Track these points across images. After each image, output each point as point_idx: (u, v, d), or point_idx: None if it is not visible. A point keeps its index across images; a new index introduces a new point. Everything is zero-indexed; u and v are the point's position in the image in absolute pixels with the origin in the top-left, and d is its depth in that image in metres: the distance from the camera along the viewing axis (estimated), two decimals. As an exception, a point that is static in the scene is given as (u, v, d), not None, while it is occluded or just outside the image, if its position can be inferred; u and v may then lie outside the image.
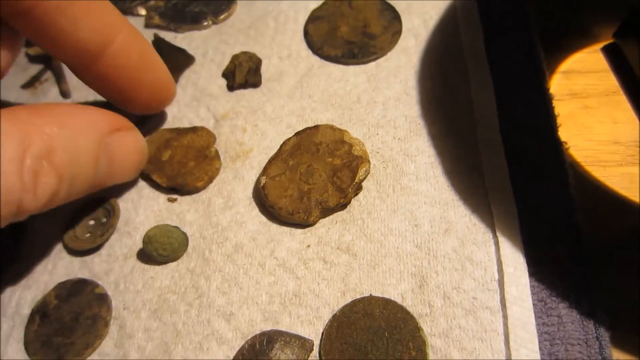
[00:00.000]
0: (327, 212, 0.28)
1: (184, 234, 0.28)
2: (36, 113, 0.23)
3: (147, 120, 0.33)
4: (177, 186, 0.30)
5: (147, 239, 0.27)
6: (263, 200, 0.28)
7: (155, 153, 0.31)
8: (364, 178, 0.28)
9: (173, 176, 0.30)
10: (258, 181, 0.29)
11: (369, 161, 0.28)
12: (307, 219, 0.27)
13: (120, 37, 0.27)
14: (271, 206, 0.28)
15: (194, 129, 0.32)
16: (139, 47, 0.29)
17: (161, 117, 0.34)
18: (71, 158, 0.24)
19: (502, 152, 0.28)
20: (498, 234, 0.26)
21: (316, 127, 0.30)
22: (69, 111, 0.25)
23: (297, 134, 0.30)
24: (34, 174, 0.22)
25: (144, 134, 0.30)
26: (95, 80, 0.29)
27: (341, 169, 0.28)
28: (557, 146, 0.28)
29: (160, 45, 0.37)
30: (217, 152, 0.31)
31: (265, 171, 0.29)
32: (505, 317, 0.24)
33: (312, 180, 0.28)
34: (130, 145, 0.28)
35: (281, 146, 0.30)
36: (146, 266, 0.28)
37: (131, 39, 0.28)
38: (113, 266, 0.28)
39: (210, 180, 0.30)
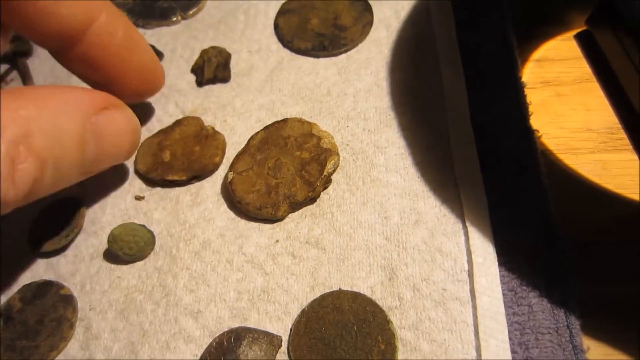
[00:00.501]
0: (295, 206, 0.27)
1: (150, 232, 0.27)
2: (10, 97, 0.21)
3: None
4: (197, 173, 0.29)
5: (112, 238, 0.26)
6: (231, 195, 0.28)
7: (155, 159, 0.30)
8: (333, 171, 0.28)
9: (187, 168, 0.29)
10: (226, 177, 0.29)
11: (337, 154, 0.28)
12: (275, 213, 0.27)
13: (103, 16, 0.26)
14: (239, 202, 0.27)
15: (177, 122, 0.32)
16: (123, 26, 0.27)
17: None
18: (52, 141, 0.22)
19: (472, 142, 0.28)
20: (467, 224, 0.25)
21: (284, 120, 0.30)
22: (48, 92, 0.23)
23: (265, 128, 0.30)
24: (11, 160, 0.20)
25: None
26: (78, 64, 0.27)
27: (309, 162, 0.28)
28: (528, 135, 0.28)
29: (128, 41, 0.36)
30: (213, 128, 0.31)
31: (232, 166, 0.29)
32: (474, 307, 0.23)
33: (280, 174, 0.28)
34: (120, 123, 0.26)
35: (249, 141, 0.30)
36: (113, 266, 0.27)
37: (114, 17, 0.26)
38: (79, 267, 0.28)
39: (224, 152, 0.30)
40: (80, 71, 0.28)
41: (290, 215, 0.27)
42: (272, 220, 0.28)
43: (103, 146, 0.25)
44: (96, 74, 0.27)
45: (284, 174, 0.28)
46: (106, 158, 0.26)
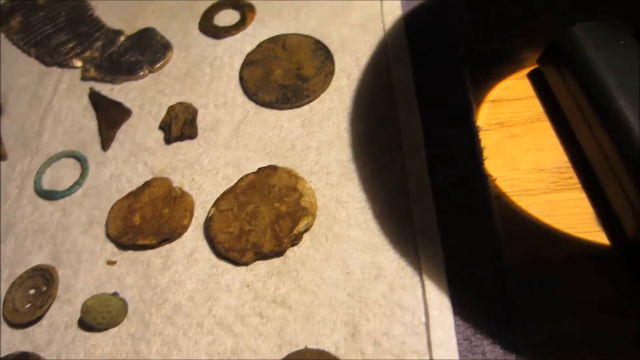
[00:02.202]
0: (260, 256, 0.29)
1: (122, 300, 0.28)
2: None
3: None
4: (166, 236, 0.30)
5: (85, 309, 0.27)
6: (208, 230, 0.30)
7: (125, 223, 0.31)
8: (305, 231, 0.29)
9: (156, 231, 0.30)
10: (208, 211, 0.30)
11: (313, 215, 0.29)
12: (240, 258, 0.29)
13: None
14: (212, 238, 0.29)
15: (146, 184, 0.33)
16: None
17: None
18: None
19: (429, 193, 0.29)
20: (424, 277, 0.26)
21: (275, 168, 0.31)
22: None
23: (257, 171, 0.31)
24: None
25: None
26: None
27: (284, 216, 0.29)
28: (483, 180, 0.29)
29: (96, 100, 0.37)
30: (181, 189, 0.32)
31: (216, 202, 0.30)
32: (431, 360, 0.24)
33: (255, 222, 0.29)
34: None
35: (238, 181, 0.31)
36: (87, 334, 0.28)
37: None
38: (54, 336, 0.28)
39: (192, 214, 0.31)
40: None
41: (257, 274, 0.29)
42: (237, 262, 0.29)
43: None
44: None
45: (259, 222, 0.29)
46: None
